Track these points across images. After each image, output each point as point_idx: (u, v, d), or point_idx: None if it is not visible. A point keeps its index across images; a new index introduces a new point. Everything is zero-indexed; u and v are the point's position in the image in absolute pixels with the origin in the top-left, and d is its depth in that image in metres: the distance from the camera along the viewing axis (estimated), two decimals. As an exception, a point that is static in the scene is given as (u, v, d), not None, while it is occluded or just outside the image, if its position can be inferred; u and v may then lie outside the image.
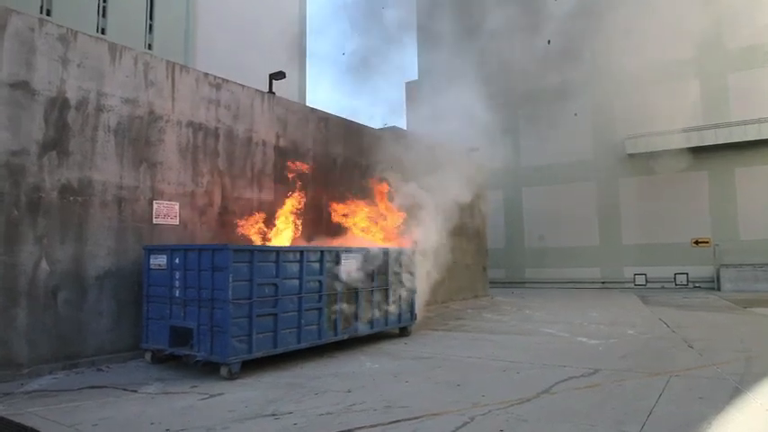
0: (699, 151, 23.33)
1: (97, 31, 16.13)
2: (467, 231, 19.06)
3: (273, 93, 12.09)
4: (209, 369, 7.58)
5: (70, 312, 8.02)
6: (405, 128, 18.50)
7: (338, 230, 11.94)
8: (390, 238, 11.65)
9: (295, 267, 8.43)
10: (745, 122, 22.34)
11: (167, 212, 9.47)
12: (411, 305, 11.07)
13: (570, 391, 6.35)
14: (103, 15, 16.75)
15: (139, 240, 8.94)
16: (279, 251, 8.25)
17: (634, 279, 24.70)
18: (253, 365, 7.71)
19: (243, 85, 11.14)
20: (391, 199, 12.17)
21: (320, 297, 8.82)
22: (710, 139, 22.87)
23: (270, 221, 10.82)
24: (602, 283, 25.33)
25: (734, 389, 6.29)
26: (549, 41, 21.24)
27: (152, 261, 8.42)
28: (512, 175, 27.53)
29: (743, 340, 9.69)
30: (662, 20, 22.82)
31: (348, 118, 14.12)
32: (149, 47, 17.87)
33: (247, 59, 19.39)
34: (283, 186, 11.63)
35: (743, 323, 12.17)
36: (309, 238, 11.31)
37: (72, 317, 8.03)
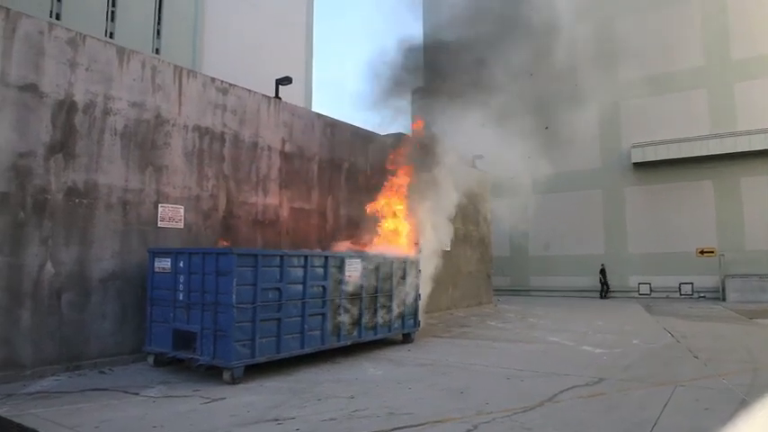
0: (704, 161, 23.28)
1: (106, 35, 16.24)
2: (471, 239, 19.03)
3: (280, 98, 12.13)
4: (212, 373, 7.57)
5: (74, 314, 8.03)
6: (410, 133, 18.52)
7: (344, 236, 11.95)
8: (397, 244, 11.63)
9: (299, 272, 8.41)
10: (749, 132, 22.28)
11: (172, 216, 9.48)
12: (415, 312, 11.03)
13: (574, 400, 6.30)
14: (112, 20, 16.87)
15: (144, 243, 8.95)
16: (283, 256, 8.24)
17: (639, 288, 24.58)
18: (255, 370, 7.69)
19: (249, 90, 11.17)
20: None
21: (324, 302, 8.79)
22: (716, 148, 22.82)
23: (276, 226, 10.80)
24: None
25: (741, 400, 6.23)
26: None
27: (156, 264, 8.43)
28: (518, 183, 27.46)
29: (749, 351, 9.61)
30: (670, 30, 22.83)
31: (354, 124, 14.16)
32: (157, 51, 17.98)
33: (254, 64, 19.47)
34: (288, 191, 11.64)
35: (748, 334, 12.08)
36: (317, 243, 11.32)
37: (76, 319, 8.04)
